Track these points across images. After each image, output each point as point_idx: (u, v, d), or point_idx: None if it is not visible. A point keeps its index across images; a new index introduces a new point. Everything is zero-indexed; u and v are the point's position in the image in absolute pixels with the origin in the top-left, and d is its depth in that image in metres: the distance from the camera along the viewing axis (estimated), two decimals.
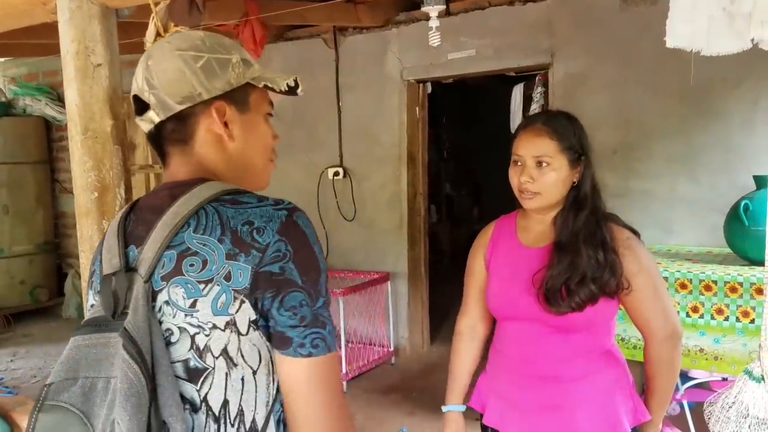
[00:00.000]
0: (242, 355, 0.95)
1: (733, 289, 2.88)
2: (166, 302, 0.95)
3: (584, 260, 1.55)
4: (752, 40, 2.11)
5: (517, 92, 4.51)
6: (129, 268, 0.98)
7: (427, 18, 3.73)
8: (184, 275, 0.95)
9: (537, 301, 1.58)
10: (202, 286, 0.94)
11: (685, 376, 3.33)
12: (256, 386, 0.96)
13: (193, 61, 1.03)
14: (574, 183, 1.63)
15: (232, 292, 0.93)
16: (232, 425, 0.96)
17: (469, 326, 1.85)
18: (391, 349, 4.76)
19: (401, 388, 4.27)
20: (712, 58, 2.22)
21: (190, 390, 0.95)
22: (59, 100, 6.20)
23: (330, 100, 4.84)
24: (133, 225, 1.04)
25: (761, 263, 1.74)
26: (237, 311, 0.93)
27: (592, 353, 1.63)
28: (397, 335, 4.82)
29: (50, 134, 6.48)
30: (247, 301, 0.93)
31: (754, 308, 2.80)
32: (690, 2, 2.03)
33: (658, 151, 3.77)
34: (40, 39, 3.75)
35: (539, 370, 1.64)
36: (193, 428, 0.95)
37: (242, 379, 0.95)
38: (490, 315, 1.82)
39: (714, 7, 2.00)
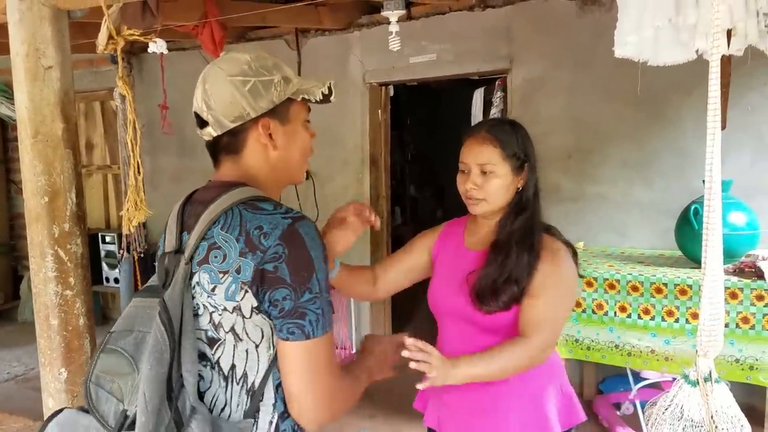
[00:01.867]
0: (246, 333, 1.17)
1: (683, 292, 2.96)
2: (198, 283, 1.18)
3: (512, 261, 1.60)
4: (697, 51, 2.18)
5: (478, 96, 4.56)
6: (179, 250, 1.22)
7: (389, 22, 3.75)
8: (209, 264, 1.17)
9: (469, 301, 1.63)
10: (221, 275, 1.16)
11: (637, 377, 3.42)
12: (258, 357, 1.18)
13: (242, 86, 1.23)
14: (518, 188, 1.67)
15: (240, 283, 1.14)
16: (237, 383, 1.19)
17: (374, 270, 1.85)
18: (354, 351, 4.77)
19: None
20: (665, 67, 2.28)
21: (208, 353, 1.21)
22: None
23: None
24: (188, 214, 1.27)
25: None
26: (242, 299, 1.14)
27: None
28: (359, 337, 4.83)
29: (5, 134, 6.32)
30: (250, 291, 1.14)
31: None
32: (637, 13, 2.08)
33: (613, 156, 3.85)
34: None
35: None
36: (206, 382, 1.21)
37: (246, 351, 1.18)
38: (386, 288, 1.85)
39: (660, 18, 2.05)
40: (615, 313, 3.08)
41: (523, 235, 1.64)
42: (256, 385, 1.19)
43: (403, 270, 1.86)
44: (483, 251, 1.70)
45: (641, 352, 3.02)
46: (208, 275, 1.17)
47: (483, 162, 1.64)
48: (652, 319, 3.01)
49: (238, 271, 1.14)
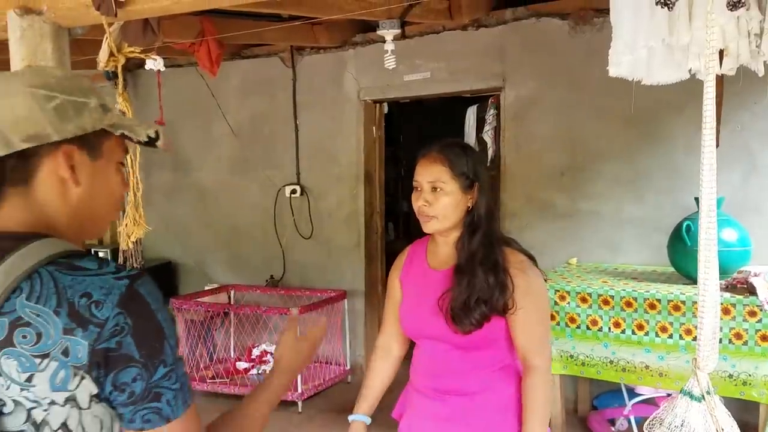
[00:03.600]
0: (83, 428, 0.93)
1: (677, 308, 2.98)
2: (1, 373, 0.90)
3: (480, 280, 1.67)
4: (690, 70, 2.23)
5: (471, 114, 4.61)
6: None
7: (384, 40, 3.80)
8: (16, 347, 0.90)
9: (445, 322, 1.69)
10: (38, 360, 0.90)
11: (631, 392, 3.43)
12: None
13: (45, 101, 0.97)
14: (469, 207, 1.74)
15: (71, 368, 0.90)
16: None
17: (384, 345, 1.96)
18: (348, 367, 4.76)
19: None
20: (657, 86, 2.33)
21: None
22: None
23: (287, 119, 4.86)
24: None
25: None
26: (77, 387, 0.91)
27: (490, 368, 1.75)
28: (354, 353, 4.82)
29: None
30: (87, 376, 0.90)
31: (696, 326, 2.90)
32: (631, 34, 2.13)
33: (605, 173, 3.90)
34: None
35: (442, 383, 1.76)
36: None
37: None
38: (404, 340, 1.94)
39: (654, 38, 2.10)
40: (609, 328, 3.10)
41: (484, 254, 1.71)
42: None
43: (398, 318, 1.91)
44: (447, 271, 1.76)
45: (635, 367, 3.04)
46: (17, 362, 0.90)
47: (432, 179, 1.72)
48: (646, 334, 3.03)
49: (65, 353, 0.89)
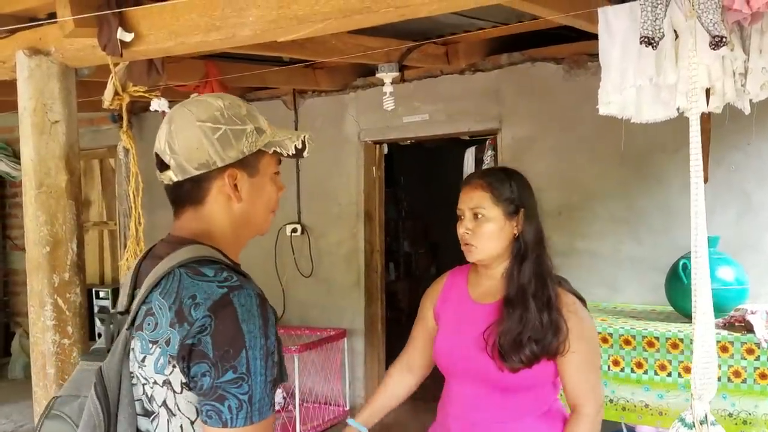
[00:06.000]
0: (179, 408, 1.06)
1: (675, 346, 2.98)
2: (133, 350, 1.08)
3: (533, 315, 1.58)
4: (678, 108, 2.29)
5: (469, 155, 4.68)
6: (126, 311, 1.13)
7: (383, 83, 3.89)
8: (143, 331, 1.07)
9: (490, 358, 1.59)
10: (151, 345, 1.06)
11: None
12: None
13: (212, 133, 1.14)
14: (515, 235, 1.68)
15: (168, 356, 1.04)
16: None
17: (407, 361, 1.88)
18: (347, 408, 4.71)
19: None
20: (650, 127, 2.38)
21: (146, 424, 1.09)
22: (14, 156, 6.14)
23: (288, 159, 4.92)
24: (143, 271, 1.16)
25: None
26: (171, 374, 1.04)
27: (532, 415, 1.65)
28: (354, 394, 4.78)
29: (3, 190, 6.40)
30: (177, 366, 1.03)
31: None
32: (619, 73, 2.20)
33: (601, 213, 3.93)
34: None
35: (480, 428, 1.64)
36: None
37: (181, 427, 1.07)
38: (428, 364, 1.85)
39: (641, 78, 2.17)
40: (609, 367, 3.09)
41: (536, 287, 1.63)
42: None
43: (428, 343, 1.82)
44: (493, 305, 1.68)
45: (635, 406, 3.02)
46: (140, 343, 1.07)
47: (474, 206, 1.67)
48: (645, 373, 3.02)
49: (167, 343, 1.04)
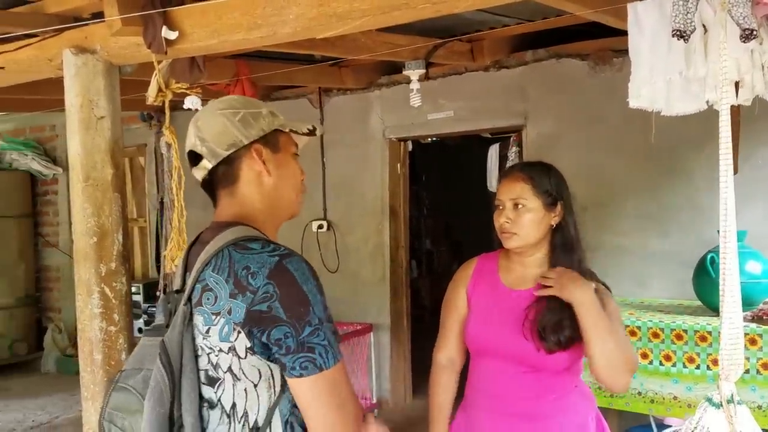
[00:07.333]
0: (243, 373, 1.19)
1: (703, 338, 3.00)
2: (196, 325, 1.22)
3: None
4: (707, 101, 2.32)
5: (493, 152, 4.71)
6: (181, 290, 1.27)
7: (408, 81, 3.95)
8: (203, 306, 1.20)
9: (528, 340, 1.67)
10: (214, 317, 1.19)
11: (661, 424, 3.41)
12: (258, 396, 1.20)
13: (233, 116, 1.30)
14: (552, 225, 1.77)
15: (233, 324, 1.16)
16: (239, 422, 1.20)
17: (449, 359, 1.91)
18: (374, 401, 4.77)
19: None
20: (676, 122, 2.41)
21: (209, 392, 1.22)
22: (46, 154, 6.28)
23: (314, 156, 5.00)
24: (192, 254, 1.31)
25: None
26: (236, 340, 1.17)
27: (562, 391, 1.73)
28: (380, 387, 4.84)
29: (35, 188, 6.54)
30: (242, 332, 1.16)
31: None
32: (649, 67, 2.23)
33: (628, 208, 3.95)
34: (34, 95, 3.88)
35: (512, 407, 1.72)
36: (209, 421, 1.22)
37: (245, 390, 1.20)
38: (465, 351, 1.90)
39: (671, 71, 2.20)
40: (637, 359, 3.11)
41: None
42: (259, 423, 1.19)
43: (461, 331, 1.87)
44: (528, 291, 1.75)
45: (664, 398, 3.05)
46: (202, 317, 1.20)
47: (515, 197, 1.75)
48: (674, 365, 3.04)
49: (230, 312, 1.16)
